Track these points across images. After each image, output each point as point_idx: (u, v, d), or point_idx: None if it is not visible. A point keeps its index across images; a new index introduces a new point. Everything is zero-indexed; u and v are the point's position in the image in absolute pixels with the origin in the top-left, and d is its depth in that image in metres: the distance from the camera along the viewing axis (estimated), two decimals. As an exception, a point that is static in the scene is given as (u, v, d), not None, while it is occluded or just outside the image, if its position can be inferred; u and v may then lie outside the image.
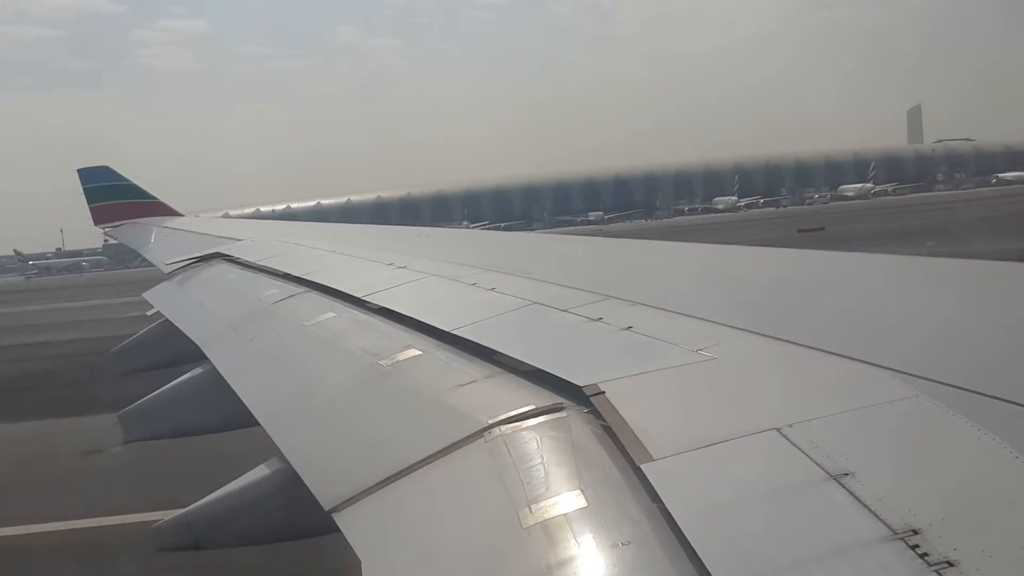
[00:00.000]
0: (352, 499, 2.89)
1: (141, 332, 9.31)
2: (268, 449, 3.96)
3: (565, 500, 2.36)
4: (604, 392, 2.82)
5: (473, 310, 4.56)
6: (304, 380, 4.81)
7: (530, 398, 3.03)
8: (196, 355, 6.34)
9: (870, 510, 1.89)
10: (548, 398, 2.99)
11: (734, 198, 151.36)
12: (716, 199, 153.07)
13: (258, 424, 4.19)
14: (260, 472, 4.20)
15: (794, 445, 2.23)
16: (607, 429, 2.63)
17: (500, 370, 3.51)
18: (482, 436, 2.87)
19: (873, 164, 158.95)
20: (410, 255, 7.11)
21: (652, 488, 2.21)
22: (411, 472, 2.88)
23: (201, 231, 14.59)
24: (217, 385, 5.25)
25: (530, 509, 2.36)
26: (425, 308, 4.88)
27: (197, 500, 4.46)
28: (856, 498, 1.94)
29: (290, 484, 3.46)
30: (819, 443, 2.20)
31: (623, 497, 2.30)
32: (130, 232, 18.65)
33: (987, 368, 2.63)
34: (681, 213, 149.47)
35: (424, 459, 2.90)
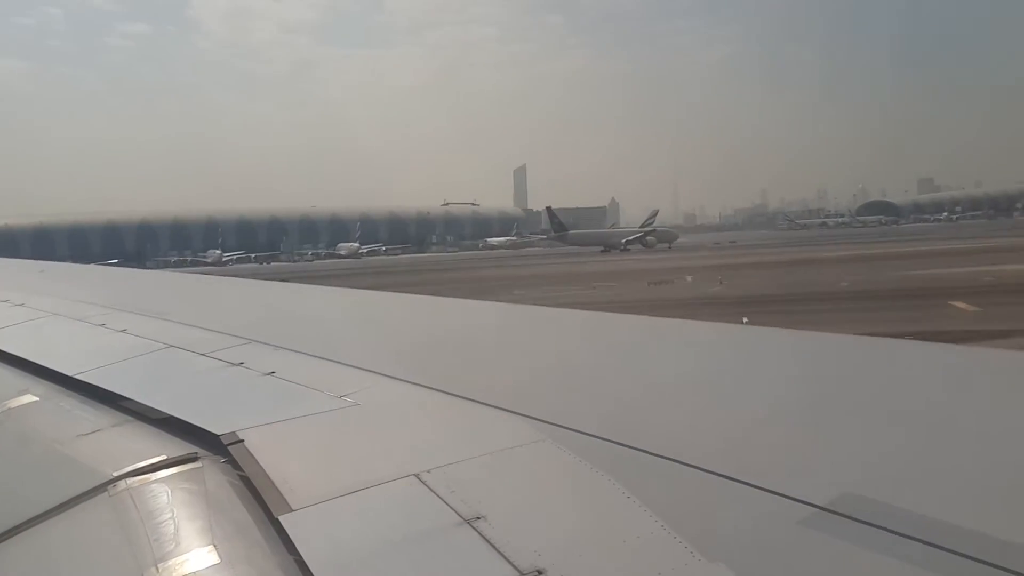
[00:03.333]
0: None
1: None
2: None
3: (196, 557, 2.24)
4: (243, 440, 2.72)
5: (101, 353, 4.22)
6: None
7: (161, 448, 2.85)
8: None
9: (500, 552, 1.98)
10: (181, 448, 2.83)
11: (217, 252, 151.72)
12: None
13: None
14: None
15: (431, 490, 2.28)
16: (245, 479, 2.54)
17: (129, 418, 3.27)
18: (106, 490, 2.64)
19: (359, 224, 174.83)
20: (30, 291, 6.48)
21: (290, 540, 2.16)
22: (22, 531, 2.59)
23: None
24: None
25: (156, 568, 2.21)
26: (45, 350, 4.45)
27: None
28: (487, 540, 2.02)
29: None
30: (455, 488, 2.28)
31: (259, 551, 2.22)
32: None
33: (604, 414, 2.86)
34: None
35: (38, 516, 2.62)
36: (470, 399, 2.97)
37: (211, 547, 2.26)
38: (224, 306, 6.32)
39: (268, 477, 2.47)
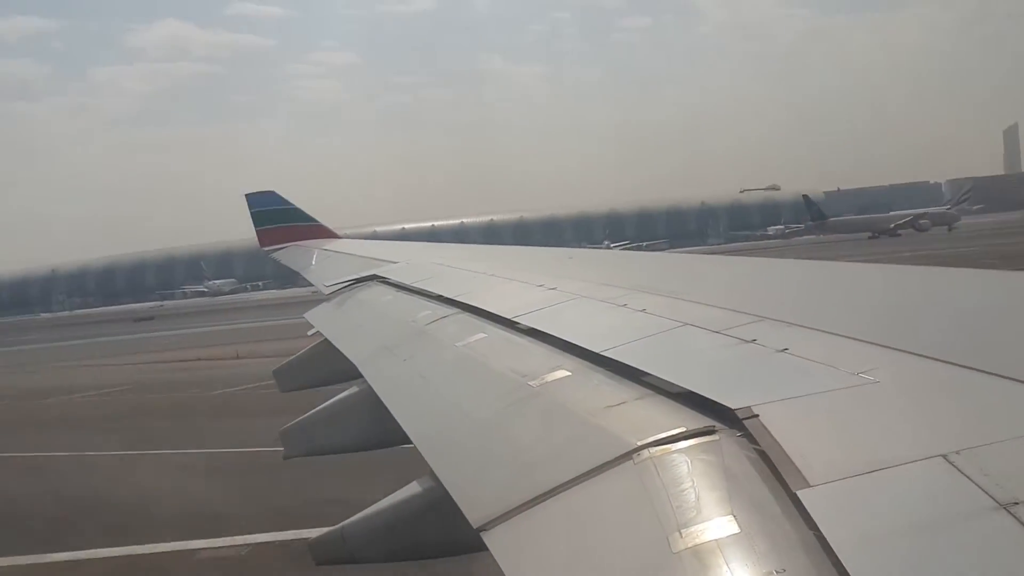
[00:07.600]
0: (499, 518, 2.88)
1: (302, 351, 9.65)
2: (420, 466, 4.04)
3: (717, 525, 2.30)
4: (758, 415, 2.74)
5: (623, 331, 4.51)
6: (455, 399, 4.87)
7: (680, 420, 2.97)
8: (353, 374, 6.53)
9: None
10: (699, 421, 2.92)
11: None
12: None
13: (411, 442, 4.26)
14: (412, 489, 4.28)
15: (961, 472, 2.11)
16: (761, 454, 2.55)
17: (650, 392, 3.45)
18: (631, 458, 2.82)
19: (606, 220, 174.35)
20: (560, 276, 7.11)
21: (808, 515, 2.13)
22: (559, 493, 2.86)
23: (359, 253, 14.98)
24: (372, 403, 5.38)
25: (680, 533, 2.31)
26: (575, 329, 4.86)
27: (352, 515, 4.59)
28: None
29: (440, 502, 3.50)
30: (989, 471, 2.08)
31: (777, 524, 2.22)
32: (293, 254, 19.29)
33: None
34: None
35: (572, 480, 2.88)
36: (1000, 375, 2.68)
37: (730, 516, 2.31)
38: (732, 284, 6.40)
39: (784, 452, 2.45)
